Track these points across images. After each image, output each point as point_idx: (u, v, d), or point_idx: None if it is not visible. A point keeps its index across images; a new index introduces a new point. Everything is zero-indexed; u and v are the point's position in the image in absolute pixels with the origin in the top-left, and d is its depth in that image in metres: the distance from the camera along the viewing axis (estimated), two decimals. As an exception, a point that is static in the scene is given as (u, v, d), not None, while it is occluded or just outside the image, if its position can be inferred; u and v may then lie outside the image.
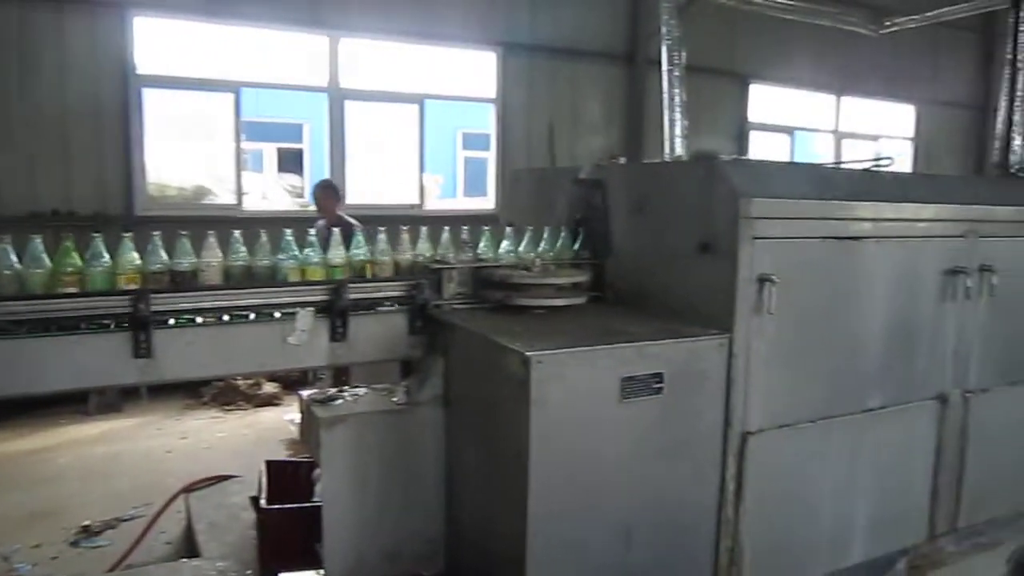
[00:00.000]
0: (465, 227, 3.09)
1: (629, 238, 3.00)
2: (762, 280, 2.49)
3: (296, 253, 2.76)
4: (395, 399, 2.83)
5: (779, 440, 2.65)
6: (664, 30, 5.49)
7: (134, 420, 6.27)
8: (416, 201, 8.24)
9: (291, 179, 14.14)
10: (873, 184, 2.96)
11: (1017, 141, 5.67)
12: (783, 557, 2.80)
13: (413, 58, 8.28)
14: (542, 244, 3.14)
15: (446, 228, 3.12)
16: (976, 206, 3.16)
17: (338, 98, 7.77)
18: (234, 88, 7.34)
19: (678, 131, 5.27)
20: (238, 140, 7.45)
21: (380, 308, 2.86)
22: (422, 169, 8.27)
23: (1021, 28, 5.74)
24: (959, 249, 3.07)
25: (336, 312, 2.71)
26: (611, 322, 2.66)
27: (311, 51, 7.73)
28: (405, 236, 3.01)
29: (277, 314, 2.63)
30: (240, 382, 6.83)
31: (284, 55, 8.04)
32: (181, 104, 8.60)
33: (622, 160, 3.29)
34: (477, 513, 2.64)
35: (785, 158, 10.36)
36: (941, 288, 3.04)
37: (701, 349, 2.45)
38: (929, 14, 6.91)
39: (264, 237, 2.78)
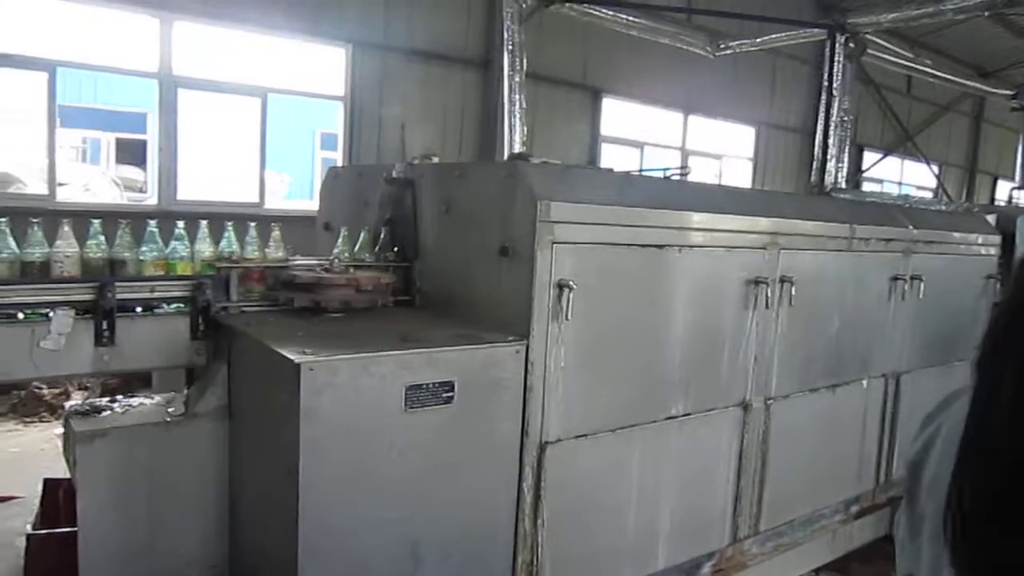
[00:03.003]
0: (274, 224, 2.88)
1: (437, 240, 2.88)
2: (561, 286, 2.43)
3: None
4: (172, 410, 2.56)
5: (579, 449, 2.60)
6: (506, 36, 5.48)
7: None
8: (256, 200, 7.81)
9: (129, 171, 13.15)
10: (679, 193, 3.00)
11: (831, 163, 6.11)
12: (585, 567, 2.76)
13: (257, 49, 7.87)
14: (357, 245, 2.98)
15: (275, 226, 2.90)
16: (779, 219, 3.27)
17: (170, 85, 7.24)
18: (48, 67, 6.66)
19: (517, 137, 5.26)
20: (52, 125, 6.75)
21: (159, 310, 2.59)
22: (263, 166, 7.85)
23: (836, 59, 6.19)
24: (761, 260, 3.16)
25: (101, 313, 2.42)
26: (410, 326, 2.52)
27: (142, 33, 7.16)
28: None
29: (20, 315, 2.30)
30: (45, 391, 6.19)
31: (112, 35, 7.40)
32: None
33: (435, 159, 3.17)
34: (256, 535, 2.42)
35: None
36: (744, 298, 3.12)
37: (497, 356, 2.35)
38: (758, 40, 7.31)
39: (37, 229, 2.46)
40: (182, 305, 2.59)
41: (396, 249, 3.05)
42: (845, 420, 3.84)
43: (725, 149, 12.39)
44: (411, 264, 2.97)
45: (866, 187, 14.35)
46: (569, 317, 2.43)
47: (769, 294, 3.18)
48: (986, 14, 6.21)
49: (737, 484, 3.26)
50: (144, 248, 2.59)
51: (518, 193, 2.44)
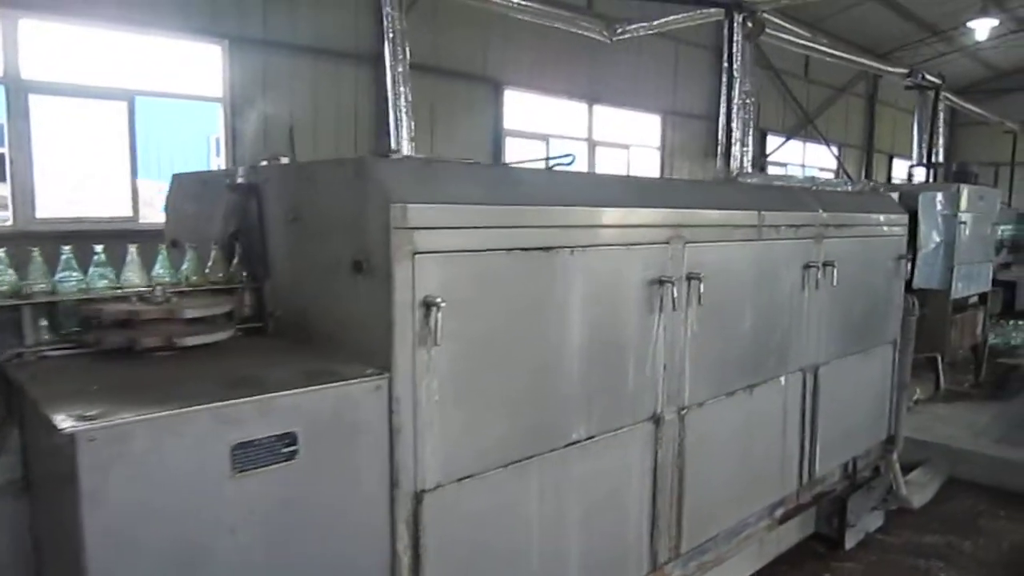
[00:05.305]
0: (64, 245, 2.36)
1: (288, 255, 2.43)
2: (428, 304, 2.03)
3: None
4: (-48, 487, 2.04)
5: (464, 494, 2.21)
6: (386, 24, 5.04)
7: None
8: (129, 213, 7.12)
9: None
10: (567, 187, 2.64)
11: (736, 147, 5.92)
12: (484, 626, 2.37)
13: (121, 49, 7.16)
14: (185, 265, 2.49)
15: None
16: (682, 210, 2.96)
17: (20, 91, 6.49)
18: None
19: (404, 132, 4.83)
20: None
21: (-69, 363, 2.06)
22: (135, 175, 7.16)
23: (735, 39, 6.00)
24: (664, 256, 2.84)
25: None
26: (250, 365, 2.07)
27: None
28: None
29: None
30: None
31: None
32: None
33: (284, 160, 2.72)
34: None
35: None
36: (647, 300, 2.79)
37: (352, 395, 1.93)
38: (655, 23, 7.09)
39: None
40: (-38, 355, 2.07)
41: (237, 265, 2.56)
42: (765, 421, 3.58)
43: (632, 138, 12.25)
44: (261, 285, 2.51)
45: (771, 171, 14.52)
46: (439, 341, 2.03)
47: (675, 294, 2.86)
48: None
49: (653, 506, 2.94)
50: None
51: (369, 196, 2.02)
